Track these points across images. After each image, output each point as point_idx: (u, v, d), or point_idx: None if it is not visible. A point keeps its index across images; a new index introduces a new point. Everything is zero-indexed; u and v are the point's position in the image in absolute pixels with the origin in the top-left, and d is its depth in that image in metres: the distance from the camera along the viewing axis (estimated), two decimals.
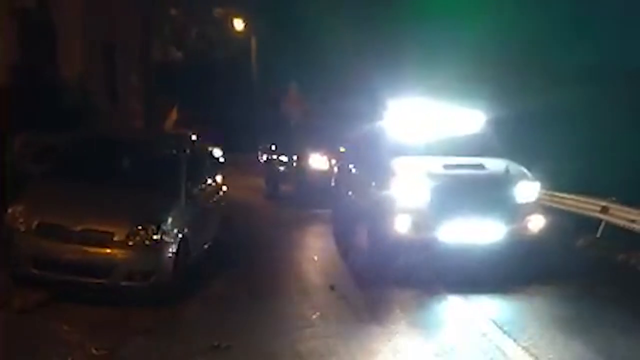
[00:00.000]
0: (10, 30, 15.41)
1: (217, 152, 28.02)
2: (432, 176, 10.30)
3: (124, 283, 8.56)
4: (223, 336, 7.61)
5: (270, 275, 10.84)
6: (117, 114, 19.91)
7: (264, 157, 24.08)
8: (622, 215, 13.12)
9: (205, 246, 10.63)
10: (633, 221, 12.70)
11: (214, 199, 11.44)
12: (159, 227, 8.73)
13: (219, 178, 12.04)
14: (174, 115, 36.17)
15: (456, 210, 10.02)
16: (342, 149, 15.64)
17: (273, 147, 22.44)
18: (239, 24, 36.54)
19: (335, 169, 15.36)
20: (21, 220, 8.70)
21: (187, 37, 34.68)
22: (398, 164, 10.78)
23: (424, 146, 11.27)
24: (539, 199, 10.82)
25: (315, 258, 12.47)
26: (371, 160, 11.75)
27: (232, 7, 35.97)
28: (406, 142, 11.43)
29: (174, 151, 10.46)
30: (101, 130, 13.87)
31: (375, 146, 11.85)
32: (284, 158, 21.20)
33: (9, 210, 8.85)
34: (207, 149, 26.67)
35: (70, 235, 8.53)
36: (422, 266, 10.34)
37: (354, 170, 13.26)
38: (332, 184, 15.08)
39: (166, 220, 8.93)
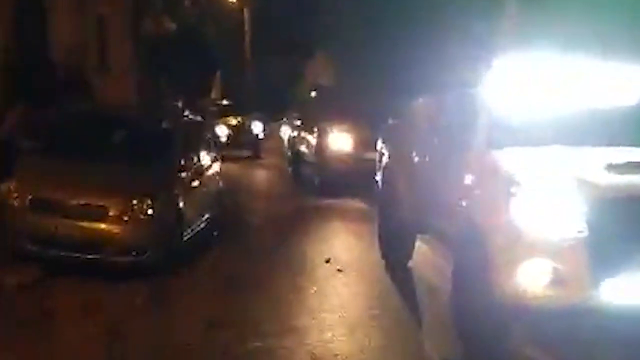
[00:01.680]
0: (1, 6, 15.25)
1: (257, 127, 25.30)
2: (589, 186, 5.86)
3: (119, 258, 8.56)
4: (218, 312, 7.60)
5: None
6: (109, 87, 19.77)
7: (287, 133, 20.66)
8: None
9: (201, 221, 10.59)
10: None
11: (210, 174, 11.37)
12: (154, 202, 8.71)
13: (214, 153, 11.96)
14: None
15: (636, 251, 5.72)
16: (390, 126, 10.44)
17: (298, 122, 19.13)
18: None
19: (384, 155, 10.08)
20: (15, 195, 8.68)
21: (180, 8, 34.46)
22: (516, 160, 6.36)
23: (560, 130, 6.78)
24: None
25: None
26: (458, 150, 7.17)
27: None
28: (527, 122, 6.89)
29: (168, 125, 10.41)
30: (94, 105, 13.86)
31: (466, 127, 7.12)
32: (305, 135, 18.02)
33: (2, 186, 8.82)
34: (248, 123, 24.88)
35: (64, 210, 8.52)
36: (568, 348, 6.14)
37: (418, 162, 8.51)
38: (378, 175, 10.29)
39: (161, 194, 8.91)
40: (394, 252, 9.32)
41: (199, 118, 13.24)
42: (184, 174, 9.74)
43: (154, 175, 9.20)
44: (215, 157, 11.87)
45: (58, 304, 7.59)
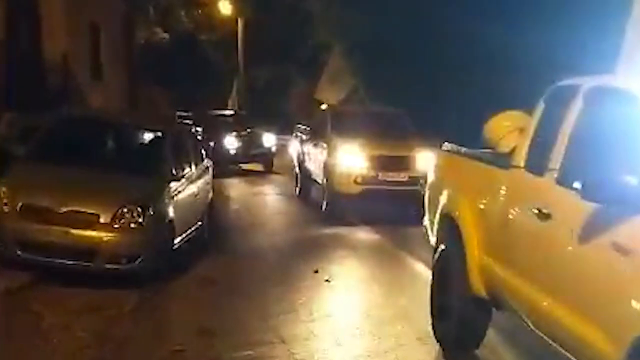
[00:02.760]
0: None
1: (270, 139, 22.54)
2: None
3: (109, 266, 8.52)
4: (208, 320, 7.59)
5: None
6: (101, 94, 19.79)
7: (296, 148, 17.71)
8: None
9: (192, 230, 10.56)
10: None
11: (201, 183, 11.33)
12: (144, 210, 8.68)
13: (206, 161, 11.93)
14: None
15: None
16: (452, 154, 7.44)
17: (305, 136, 16.84)
18: (225, 7, 36.33)
19: (442, 194, 6.98)
20: (5, 201, 8.62)
21: (173, 18, 34.52)
22: None
23: None
24: None
25: None
26: (611, 201, 4.14)
27: None
28: None
29: (160, 133, 10.39)
30: (85, 111, 13.81)
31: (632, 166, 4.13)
32: (313, 150, 15.67)
33: None
34: (259, 135, 22.46)
35: (55, 217, 8.47)
36: None
37: (518, 213, 5.51)
38: (427, 219, 7.48)
39: (152, 202, 8.88)
40: (456, 335, 6.49)
41: (193, 128, 13.15)
42: (175, 183, 9.72)
43: (145, 183, 9.17)
44: (207, 167, 11.85)
45: (44, 310, 7.53)
